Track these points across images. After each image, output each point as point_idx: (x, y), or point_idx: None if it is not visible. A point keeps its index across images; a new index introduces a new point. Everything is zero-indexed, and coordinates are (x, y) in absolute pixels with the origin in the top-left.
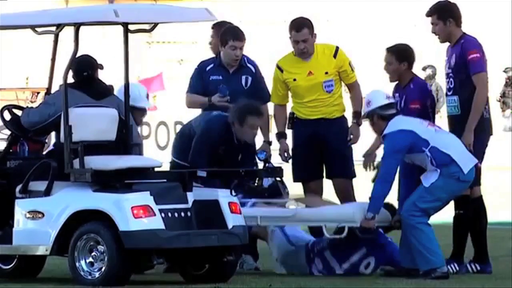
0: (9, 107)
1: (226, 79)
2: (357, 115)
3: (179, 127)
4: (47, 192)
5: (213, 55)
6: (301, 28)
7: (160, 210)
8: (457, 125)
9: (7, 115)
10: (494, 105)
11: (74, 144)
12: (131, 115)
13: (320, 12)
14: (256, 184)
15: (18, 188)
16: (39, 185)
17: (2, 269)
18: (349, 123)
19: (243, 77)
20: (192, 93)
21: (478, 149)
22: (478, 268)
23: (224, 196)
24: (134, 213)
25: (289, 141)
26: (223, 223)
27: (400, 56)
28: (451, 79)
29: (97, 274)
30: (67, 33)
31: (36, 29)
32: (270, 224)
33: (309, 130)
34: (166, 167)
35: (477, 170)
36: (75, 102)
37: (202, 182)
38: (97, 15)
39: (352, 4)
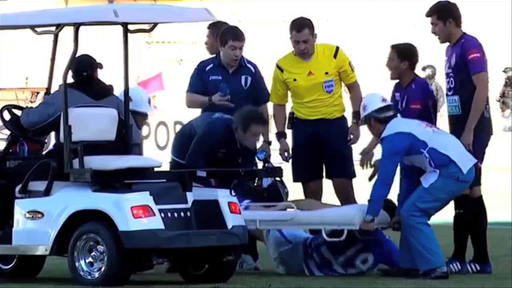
0: (8, 107)
1: (225, 79)
2: (357, 115)
3: (178, 127)
4: (47, 192)
5: (211, 55)
6: (302, 28)
7: (160, 210)
8: (458, 125)
9: (6, 115)
10: (494, 105)
11: (73, 144)
12: (132, 119)
13: (320, 12)
14: (255, 184)
15: (17, 188)
16: (39, 185)
17: (2, 269)
18: (349, 123)
19: (243, 77)
20: (192, 93)
21: (478, 149)
22: (478, 268)
23: (223, 196)
24: (134, 213)
25: (289, 140)
26: (222, 223)
27: (401, 55)
28: (451, 79)
29: (96, 274)
30: (67, 33)
31: (36, 29)
32: (270, 228)
33: (309, 130)
34: (165, 167)
35: (477, 170)
36: (75, 102)
37: (202, 182)
38: (96, 15)
39: (352, 4)
